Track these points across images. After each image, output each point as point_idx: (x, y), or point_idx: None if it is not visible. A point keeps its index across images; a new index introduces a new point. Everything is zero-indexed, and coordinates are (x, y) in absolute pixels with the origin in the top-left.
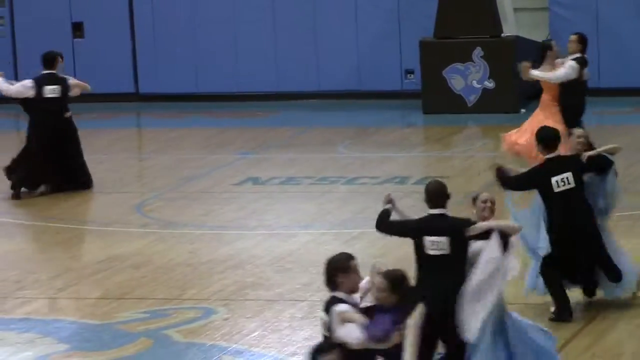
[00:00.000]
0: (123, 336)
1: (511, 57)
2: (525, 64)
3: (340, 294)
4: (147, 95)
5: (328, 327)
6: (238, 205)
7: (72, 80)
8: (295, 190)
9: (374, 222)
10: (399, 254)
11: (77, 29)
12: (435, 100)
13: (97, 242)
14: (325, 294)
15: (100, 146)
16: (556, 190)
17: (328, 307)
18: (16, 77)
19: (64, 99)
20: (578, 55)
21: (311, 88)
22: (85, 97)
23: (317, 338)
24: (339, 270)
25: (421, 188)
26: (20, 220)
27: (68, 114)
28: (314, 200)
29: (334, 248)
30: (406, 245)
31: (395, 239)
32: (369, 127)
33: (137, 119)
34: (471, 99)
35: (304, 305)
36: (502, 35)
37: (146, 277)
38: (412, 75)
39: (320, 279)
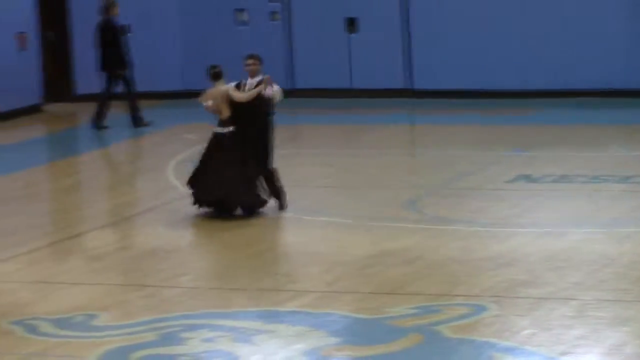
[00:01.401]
0: (393, 331)
1: None
2: None
3: None
4: (421, 91)
5: None
6: (510, 203)
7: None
8: (568, 188)
9: None
10: None
11: (351, 24)
12: None
13: (369, 237)
14: (597, 293)
15: (373, 142)
16: None
17: None
18: (293, 73)
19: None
20: None
21: (579, 86)
22: (356, 93)
23: (589, 337)
24: None
25: None
26: (291, 214)
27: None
28: (586, 198)
29: (606, 247)
30: None
31: None
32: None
33: (411, 115)
34: None
35: (576, 304)
36: None
37: (417, 272)
38: None
39: (592, 277)
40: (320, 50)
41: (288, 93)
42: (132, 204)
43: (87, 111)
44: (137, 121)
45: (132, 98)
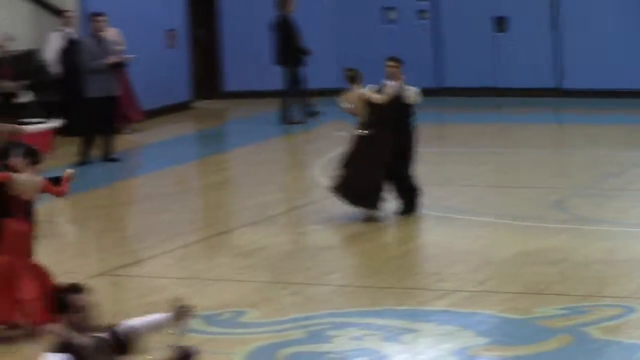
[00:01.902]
0: (542, 332)
1: None
2: None
3: None
4: (570, 91)
5: None
6: None
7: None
8: None
9: None
10: None
11: (500, 23)
12: None
13: (516, 237)
14: None
15: (521, 140)
16: None
17: None
18: (441, 71)
19: None
20: None
21: None
22: (504, 92)
23: None
24: None
25: None
26: (440, 213)
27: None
28: None
29: None
30: None
31: None
32: None
33: (558, 114)
34: None
35: None
36: None
37: (564, 272)
38: None
39: None
40: (469, 48)
41: (435, 92)
42: (279, 201)
43: (235, 108)
44: (287, 118)
45: (292, 95)
